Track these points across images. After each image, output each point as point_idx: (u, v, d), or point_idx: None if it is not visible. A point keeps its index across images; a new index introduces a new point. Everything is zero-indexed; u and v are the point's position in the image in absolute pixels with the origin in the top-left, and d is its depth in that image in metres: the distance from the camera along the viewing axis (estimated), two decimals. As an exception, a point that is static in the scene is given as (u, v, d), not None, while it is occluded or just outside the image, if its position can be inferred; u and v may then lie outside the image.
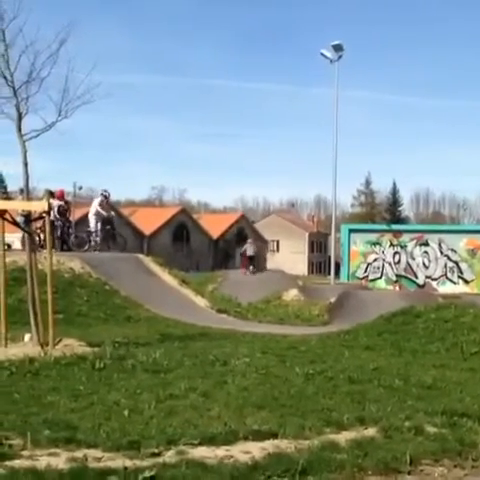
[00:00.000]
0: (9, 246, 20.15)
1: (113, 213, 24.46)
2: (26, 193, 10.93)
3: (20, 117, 10.62)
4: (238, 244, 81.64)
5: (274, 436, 6.06)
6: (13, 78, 10.52)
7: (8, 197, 17.71)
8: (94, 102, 10.95)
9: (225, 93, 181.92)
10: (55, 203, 21.09)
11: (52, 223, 21.62)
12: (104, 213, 22.74)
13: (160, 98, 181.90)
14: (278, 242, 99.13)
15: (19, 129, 10.66)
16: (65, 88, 10.80)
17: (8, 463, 5.12)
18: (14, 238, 23.57)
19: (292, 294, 26.90)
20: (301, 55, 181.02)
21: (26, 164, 10.67)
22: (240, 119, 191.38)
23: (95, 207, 22.69)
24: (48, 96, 10.83)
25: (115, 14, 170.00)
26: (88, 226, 22.98)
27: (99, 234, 22.59)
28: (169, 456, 5.43)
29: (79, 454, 5.39)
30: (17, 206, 11.58)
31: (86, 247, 22.44)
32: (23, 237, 19.82)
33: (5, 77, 10.51)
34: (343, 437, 6.13)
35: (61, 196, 22.89)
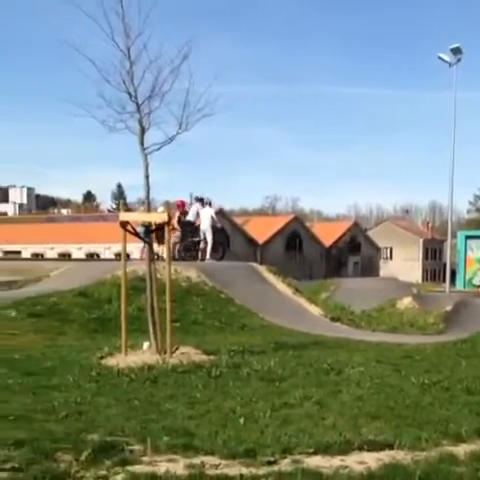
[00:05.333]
0: (128, 256, 20.73)
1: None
2: (147, 204, 11.24)
3: (143, 131, 10.89)
4: (351, 252, 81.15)
5: (390, 447, 6.01)
6: (137, 93, 10.80)
7: (128, 209, 18.25)
8: (213, 115, 11.14)
9: (337, 99, 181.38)
10: (176, 214, 21.66)
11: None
12: (218, 223, 23.11)
13: (273, 107, 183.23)
14: (391, 249, 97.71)
15: (142, 143, 10.93)
16: (186, 102, 10.97)
17: (129, 468, 5.30)
18: (133, 248, 24.24)
19: (406, 302, 26.41)
20: (417, 59, 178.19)
21: (147, 177, 10.97)
22: (353, 125, 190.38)
23: (211, 217, 23.00)
24: (169, 110, 11.07)
25: (230, 27, 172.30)
26: (197, 236, 23.30)
27: (209, 243, 22.93)
28: (285, 465, 5.47)
29: (197, 461, 5.50)
30: (139, 217, 11.91)
31: (199, 256, 22.84)
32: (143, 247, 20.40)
33: (129, 93, 10.78)
34: (462, 449, 6.00)
35: (182, 206, 23.39)
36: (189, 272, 18.94)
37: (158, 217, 11.36)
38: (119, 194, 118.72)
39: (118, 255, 58.03)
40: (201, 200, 23.74)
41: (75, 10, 10.61)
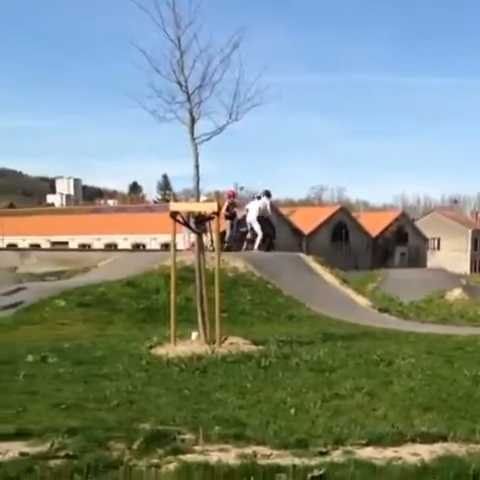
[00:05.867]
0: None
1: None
2: (197, 195, 11.26)
3: (193, 121, 10.90)
4: (398, 242, 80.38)
5: (443, 439, 5.91)
6: (187, 83, 10.81)
7: (176, 199, 18.31)
8: (263, 104, 11.09)
9: (386, 89, 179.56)
10: (225, 204, 21.71)
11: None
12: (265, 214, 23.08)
13: (321, 97, 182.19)
14: (439, 240, 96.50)
15: (192, 133, 10.95)
16: (236, 91, 10.94)
17: (181, 457, 5.31)
18: (178, 239, 24.33)
19: (456, 293, 26.08)
20: (468, 48, 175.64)
21: (197, 166, 10.97)
22: (401, 115, 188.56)
23: (259, 208, 22.98)
24: (219, 100, 11.05)
25: (281, 16, 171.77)
26: (244, 226, 23.32)
27: (258, 234, 22.92)
28: (337, 456, 5.43)
29: (248, 450, 5.49)
30: (189, 208, 11.92)
31: (244, 246, 22.86)
32: (187, 237, 20.49)
33: (180, 83, 10.79)
34: (517, 442, 5.89)
35: (232, 196, 23.43)
36: (236, 262, 18.96)
37: (208, 207, 11.36)
38: (165, 185, 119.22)
39: (164, 246, 58.34)
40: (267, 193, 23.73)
41: (127, 2, 10.68)
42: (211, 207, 11.17)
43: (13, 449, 5.39)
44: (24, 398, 7.28)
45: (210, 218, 11.34)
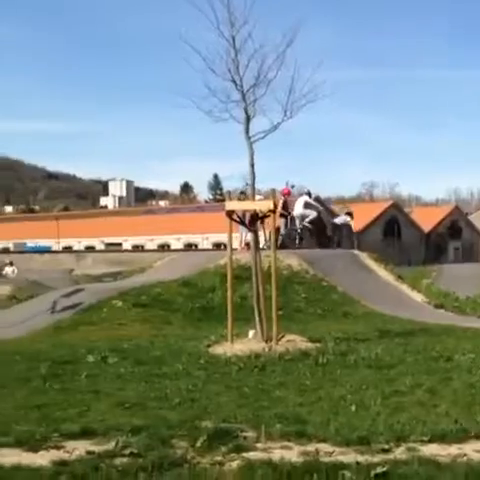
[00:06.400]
0: (225, 245, 20.98)
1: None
2: (252, 193, 11.30)
3: (248, 120, 10.94)
4: (451, 237, 79.27)
5: (509, 436, 5.85)
6: (242, 82, 10.86)
7: (231, 198, 18.39)
8: (317, 101, 11.08)
9: (437, 82, 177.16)
10: (280, 202, 21.83)
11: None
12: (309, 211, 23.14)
13: (370, 92, 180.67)
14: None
15: (247, 131, 10.99)
16: (291, 88, 10.96)
17: (244, 455, 5.35)
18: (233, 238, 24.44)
19: (515, 288, 25.59)
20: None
21: (253, 165, 11.01)
22: (453, 109, 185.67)
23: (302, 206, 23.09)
24: (274, 97, 11.07)
25: (333, 12, 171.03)
26: (293, 224, 23.38)
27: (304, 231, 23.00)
28: (400, 453, 5.40)
29: (310, 448, 5.50)
30: (245, 206, 11.95)
31: (297, 244, 22.88)
32: (243, 236, 20.60)
33: (235, 81, 10.85)
34: None
35: (287, 194, 23.51)
36: (290, 260, 18.96)
37: (264, 205, 11.37)
38: (216, 185, 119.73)
39: (216, 245, 58.66)
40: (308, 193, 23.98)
41: (181, 2, 10.79)
42: (267, 205, 11.18)
43: (79, 448, 5.51)
44: (87, 397, 7.42)
45: (266, 216, 11.35)
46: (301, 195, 24.39)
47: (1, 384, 8.25)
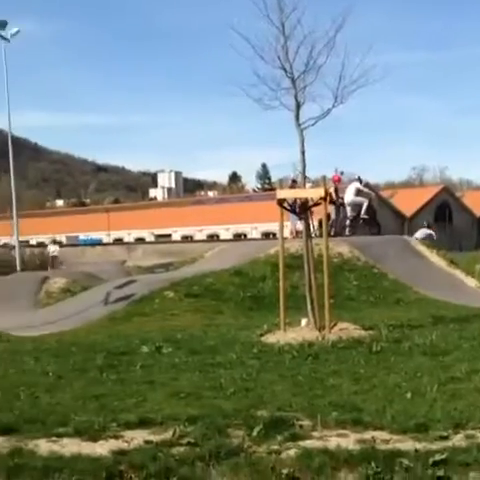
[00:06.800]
0: (274, 235, 20.99)
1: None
2: (304, 181, 11.25)
3: (298, 106, 10.91)
4: (505, 220, 77.85)
5: None
6: (292, 69, 10.82)
7: (282, 186, 18.37)
8: (368, 85, 10.98)
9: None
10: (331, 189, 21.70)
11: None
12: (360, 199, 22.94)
13: (422, 75, 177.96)
14: None
15: (297, 118, 10.96)
16: (341, 74, 10.90)
17: (301, 443, 5.36)
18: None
19: None
20: None
21: (303, 152, 10.97)
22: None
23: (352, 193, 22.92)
24: (324, 83, 11.01)
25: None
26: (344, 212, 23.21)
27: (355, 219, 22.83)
28: (458, 440, 5.35)
29: (367, 436, 5.48)
30: (296, 194, 11.91)
31: (347, 232, 22.73)
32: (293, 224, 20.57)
33: (284, 68, 10.83)
34: None
35: (338, 181, 23.36)
36: (340, 248, 18.83)
37: (315, 193, 11.31)
38: (264, 174, 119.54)
39: (265, 234, 58.62)
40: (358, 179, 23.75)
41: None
42: (318, 193, 11.12)
43: (137, 437, 5.58)
44: (143, 388, 7.51)
45: (317, 204, 11.28)
46: (351, 182, 24.18)
47: (59, 375, 8.41)
